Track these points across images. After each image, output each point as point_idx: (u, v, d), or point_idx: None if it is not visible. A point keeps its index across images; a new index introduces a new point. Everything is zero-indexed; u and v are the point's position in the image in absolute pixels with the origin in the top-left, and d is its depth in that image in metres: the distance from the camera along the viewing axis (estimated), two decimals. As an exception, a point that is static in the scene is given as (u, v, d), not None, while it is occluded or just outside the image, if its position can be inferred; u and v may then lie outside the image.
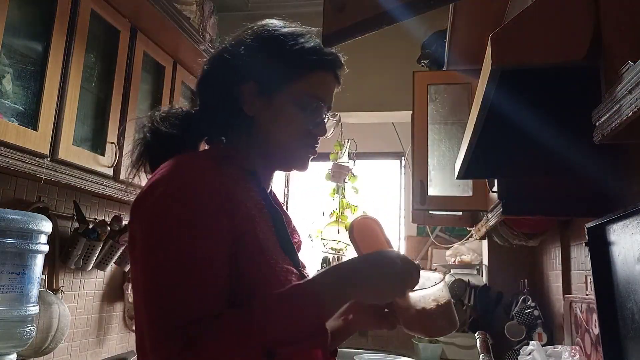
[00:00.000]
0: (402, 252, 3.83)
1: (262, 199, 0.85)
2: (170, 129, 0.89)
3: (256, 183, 0.86)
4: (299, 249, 0.96)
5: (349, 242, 3.52)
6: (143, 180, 0.90)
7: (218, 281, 0.71)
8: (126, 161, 0.95)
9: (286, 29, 0.88)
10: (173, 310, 0.68)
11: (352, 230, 0.92)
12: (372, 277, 0.75)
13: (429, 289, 0.81)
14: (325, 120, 0.90)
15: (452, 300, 0.84)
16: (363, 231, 0.92)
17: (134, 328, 2.48)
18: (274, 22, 0.90)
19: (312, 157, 0.91)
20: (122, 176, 1.98)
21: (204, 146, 0.95)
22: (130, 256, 0.78)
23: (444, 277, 0.82)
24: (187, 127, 0.90)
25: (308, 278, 0.78)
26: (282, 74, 0.85)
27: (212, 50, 2.47)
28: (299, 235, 1.00)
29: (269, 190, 0.94)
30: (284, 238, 0.86)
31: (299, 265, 0.87)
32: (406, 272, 0.76)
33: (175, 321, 0.67)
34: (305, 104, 0.86)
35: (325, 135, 0.91)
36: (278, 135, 0.86)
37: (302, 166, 0.90)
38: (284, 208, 1.00)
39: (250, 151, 0.88)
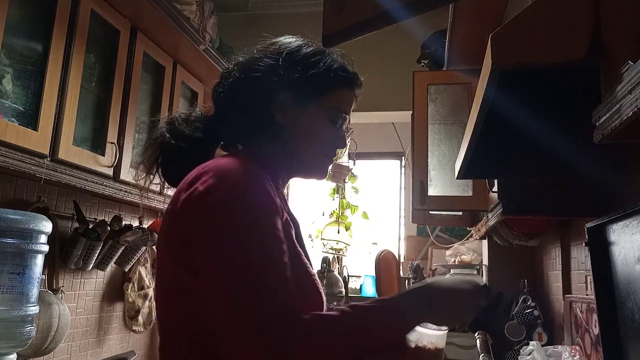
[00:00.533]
0: (402, 251, 3.84)
1: (284, 205, 0.88)
2: (193, 132, 0.92)
3: (278, 190, 0.89)
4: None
5: (348, 242, 3.52)
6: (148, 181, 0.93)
7: (291, 278, 0.74)
8: (135, 160, 0.97)
9: (312, 48, 0.94)
10: (261, 304, 0.69)
11: (379, 260, 1.02)
12: (449, 302, 0.81)
13: (434, 332, 0.87)
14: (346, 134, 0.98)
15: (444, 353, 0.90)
16: (386, 261, 1.01)
17: (134, 328, 2.48)
18: (297, 40, 0.95)
19: (330, 165, 0.98)
20: (122, 176, 1.98)
21: (219, 151, 0.97)
22: (170, 253, 0.80)
23: (447, 330, 0.89)
24: (208, 131, 0.93)
25: (393, 295, 0.82)
26: (316, 88, 0.91)
27: (212, 50, 2.47)
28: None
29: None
30: (302, 244, 0.89)
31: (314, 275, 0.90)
32: (476, 296, 0.83)
33: (264, 315, 0.68)
34: (333, 118, 0.92)
35: (345, 148, 0.99)
36: (306, 144, 0.92)
37: (323, 174, 0.96)
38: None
39: (274, 158, 0.91)
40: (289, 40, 0.94)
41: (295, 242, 0.84)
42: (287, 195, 3.90)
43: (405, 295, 0.82)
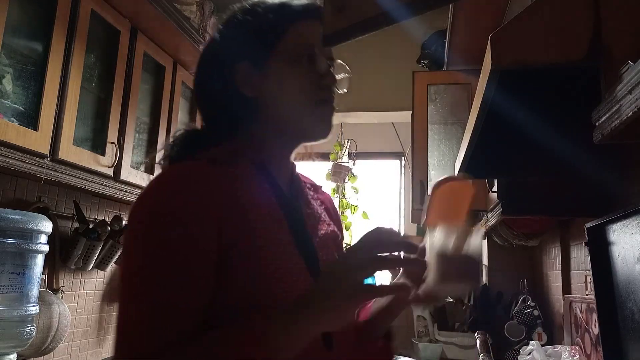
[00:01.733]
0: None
1: (274, 193, 0.78)
2: (180, 152, 0.82)
3: (267, 177, 0.79)
4: (332, 240, 0.86)
5: (348, 242, 3.51)
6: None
7: (188, 305, 0.65)
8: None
9: (247, 4, 0.84)
10: (134, 340, 0.64)
11: (434, 192, 0.77)
12: (325, 300, 0.61)
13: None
14: (331, 68, 0.82)
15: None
16: (445, 198, 0.77)
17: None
18: (238, 5, 0.85)
19: (333, 113, 0.82)
20: (123, 176, 1.98)
21: None
22: None
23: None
24: (195, 144, 0.82)
25: (266, 313, 0.65)
26: (266, 40, 0.80)
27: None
28: (330, 224, 0.89)
29: (292, 176, 0.86)
30: (301, 236, 0.78)
31: (317, 265, 0.78)
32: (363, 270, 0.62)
33: (133, 352, 0.63)
34: (298, 56, 0.79)
35: (339, 86, 0.83)
36: (287, 101, 0.79)
37: (325, 128, 0.81)
38: (320, 193, 0.93)
39: (263, 138, 0.81)
40: (232, 8, 0.85)
41: (271, 239, 0.73)
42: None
43: (276, 312, 0.64)
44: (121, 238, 2.15)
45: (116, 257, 2.19)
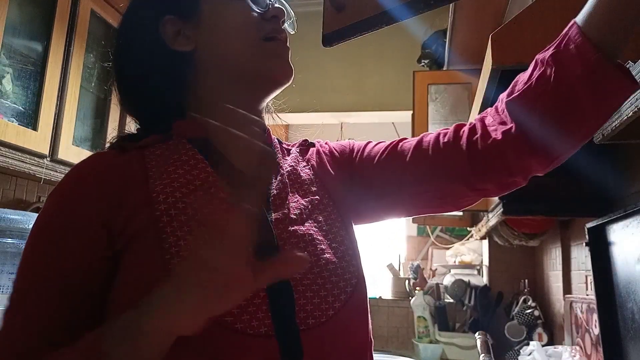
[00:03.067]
0: (403, 252, 3.83)
1: (214, 167, 0.64)
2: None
3: (205, 150, 0.66)
4: (311, 212, 0.68)
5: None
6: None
7: (40, 317, 0.56)
8: None
9: None
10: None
11: None
12: (170, 297, 0.46)
13: None
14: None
15: None
16: None
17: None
18: None
19: (287, 51, 0.70)
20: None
21: None
22: None
23: None
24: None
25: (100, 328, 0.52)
26: None
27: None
28: (313, 191, 0.71)
29: (265, 134, 0.73)
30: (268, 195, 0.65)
31: (274, 246, 0.61)
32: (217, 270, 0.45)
33: None
34: None
35: (285, 19, 0.71)
36: (229, 44, 0.67)
37: (281, 64, 0.68)
38: (302, 154, 0.77)
39: (215, 99, 0.68)
40: None
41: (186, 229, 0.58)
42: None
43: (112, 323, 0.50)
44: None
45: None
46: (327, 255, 0.63)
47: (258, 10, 0.68)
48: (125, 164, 0.63)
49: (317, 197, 0.70)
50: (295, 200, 0.68)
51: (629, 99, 0.68)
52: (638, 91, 0.66)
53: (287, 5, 0.72)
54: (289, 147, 0.78)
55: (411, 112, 2.53)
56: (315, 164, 0.75)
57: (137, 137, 0.70)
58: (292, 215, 0.65)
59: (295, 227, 0.64)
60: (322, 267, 0.62)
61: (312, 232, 0.65)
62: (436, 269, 3.23)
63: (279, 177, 0.69)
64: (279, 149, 0.75)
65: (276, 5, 0.70)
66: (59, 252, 0.57)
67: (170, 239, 0.56)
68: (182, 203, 0.59)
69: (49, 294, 0.56)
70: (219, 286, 0.45)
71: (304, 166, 0.74)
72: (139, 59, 0.70)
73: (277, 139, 0.77)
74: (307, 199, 0.69)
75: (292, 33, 0.73)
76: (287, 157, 0.75)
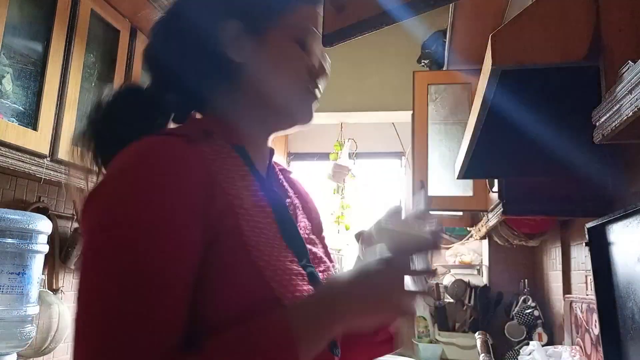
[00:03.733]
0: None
1: (256, 179, 0.68)
2: (129, 113, 0.71)
3: (246, 161, 0.69)
4: (314, 231, 0.79)
5: (348, 242, 3.51)
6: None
7: (174, 310, 0.54)
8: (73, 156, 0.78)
9: None
10: (105, 353, 0.50)
11: None
12: (364, 298, 0.59)
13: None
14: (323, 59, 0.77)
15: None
16: None
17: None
18: None
19: (316, 105, 0.76)
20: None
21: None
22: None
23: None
24: (149, 105, 0.72)
25: (284, 306, 0.59)
26: (272, 8, 0.72)
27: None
28: (310, 214, 0.82)
29: (269, 163, 0.78)
30: (287, 227, 0.69)
31: (307, 260, 0.69)
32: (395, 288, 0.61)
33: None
34: (302, 38, 0.72)
35: (326, 77, 0.77)
36: (277, 77, 0.71)
37: (307, 115, 0.74)
38: (292, 179, 0.85)
39: (240, 114, 0.72)
40: None
41: (258, 229, 0.63)
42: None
43: (299, 307, 0.59)
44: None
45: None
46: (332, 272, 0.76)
47: (312, 63, 0.73)
48: (203, 158, 0.62)
49: (309, 222, 0.80)
50: (302, 220, 0.78)
51: (629, 99, 0.68)
52: (638, 91, 0.66)
53: (328, 66, 0.78)
54: (277, 167, 0.84)
55: (411, 112, 2.53)
56: (302, 193, 0.85)
57: (155, 122, 0.71)
58: (304, 235, 0.74)
59: (311, 248, 0.74)
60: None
61: (320, 253, 0.76)
62: (436, 269, 3.22)
63: (290, 198, 0.78)
64: (278, 169, 0.83)
65: (324, 63, 0.76)
66: (173, 242, 0.54)
67: (253, 251, 0.60)
68: (251, 218, 0.62)
69: (174, 281, 0.54)
70: (404, 306, 0.61)
71: (293, 193, 0.82)
72: (188, 44, 0.71)
73: (274, 162, 0.82)
74: (305, 220, 0.79)
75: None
76: (281, 177, 0.82)
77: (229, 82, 0.71)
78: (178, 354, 0.53)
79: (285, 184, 0.81)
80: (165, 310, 0.53)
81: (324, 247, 0.80)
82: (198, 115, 0.76)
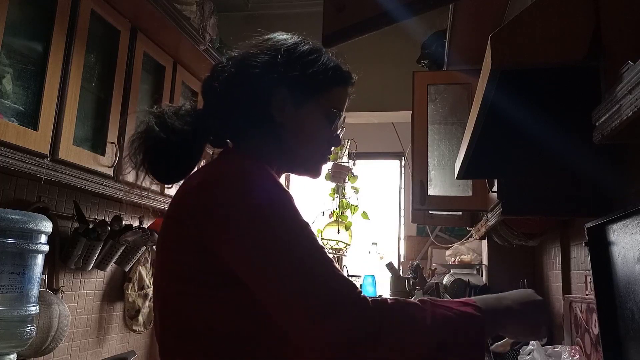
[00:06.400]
0: (402, 251, 3.83)
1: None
2: (183, 126, 0.87)
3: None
4: None
5: (348, 242, 3.51)
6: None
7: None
8: (125, 159, 0.91)
9: (309, 46, 0.93)
10: (338, 286, 0.71)
11: None
12: (528, 315, 0.82)
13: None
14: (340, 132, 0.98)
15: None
16: None
17: (134, 328, 2.48)
18: (293, 37, 0.94)
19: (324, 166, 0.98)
20: (129, 178, 1.98)
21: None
22: (182, 258, 0.77)
23: None
24: (198, 125, 0.90)
25: (472, 299, 0.81)
26: (314, 87, 0.90)
27: (212, 50, 2.47)
28: None
29: None
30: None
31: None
32: (544, 312, 0.85)
33: (336, 294, 0.70)
34: (330, 116, 0.92)
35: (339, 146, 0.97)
36: (304, 143, 0.92)
37: (318, 173, 0.96)
38: None
39: (269, 154, 0.90)
40: (285, 37, 0.93)
41: None
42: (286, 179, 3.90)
43: (484, 299, 0.81)
44: (121, 238, 2.15)
45: (116, 257, 2.19)
46: None
47: (332, 135, 0.94)
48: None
49: None
50: None
51: (629, 99, 0.68)
52: (638, 91, 0.66)
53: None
54: None
55: (411, 112, 2.53)
56: None
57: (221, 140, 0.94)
58: None
59: None
60: None
61: None
62: (436, 269, 3.23)
63: None
64: None
65: (340, 134, 0.97)
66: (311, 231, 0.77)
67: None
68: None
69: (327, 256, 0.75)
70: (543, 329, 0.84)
71: None
72: (244, 94, 0.89)
73: None
74: None
75: None
76: None
77: (267, 130, 0.89)
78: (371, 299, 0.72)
79: None
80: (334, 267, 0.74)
81: None
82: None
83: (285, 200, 0.76)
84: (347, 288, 0.70)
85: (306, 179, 1.02)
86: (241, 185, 0.75)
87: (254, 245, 0.72)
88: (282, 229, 0.73)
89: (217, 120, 0.90)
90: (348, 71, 0.96)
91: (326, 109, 0.92)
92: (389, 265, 3.14)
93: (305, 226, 0.75)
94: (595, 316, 1.56)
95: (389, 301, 0.72)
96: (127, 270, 2.39)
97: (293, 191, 3.98)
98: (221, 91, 0.90)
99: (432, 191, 2.36)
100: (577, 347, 1.71)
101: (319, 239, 0.78)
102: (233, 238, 0.73)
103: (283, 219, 0.74)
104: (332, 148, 0.96)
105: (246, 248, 0.73)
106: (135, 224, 2.39)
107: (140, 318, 2.51)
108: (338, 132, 0.96)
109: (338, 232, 3.49)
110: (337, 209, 3.60)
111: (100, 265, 2.16)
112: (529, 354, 1.80)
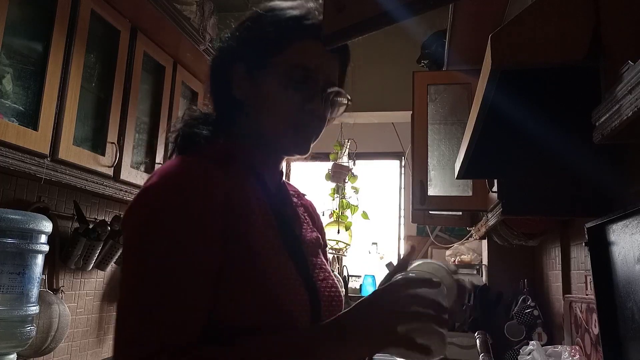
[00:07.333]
0: (402, 251, 3.82)
1: (266, 197, 0.79)
2: (201, 130, 0.82)
3: (259, 181, 0.80)
4: (317, 246, 0.88)
5: (348, 242, 3.52)
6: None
7: (199, 304, 0.65)
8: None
9: (272, 4, 0.82)
10: (141, 337, 0.62)
11: None
12: (366, 328, 0.64)
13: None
14: (327, 94, 0.80)
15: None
16: None
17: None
18: (271, 2, 0.84)
19: (314, 138, 0.82)
20: (123, 176, 1.98)
21: None
22: None
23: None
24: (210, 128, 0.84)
25: (302, 330, 0.70)
26: (263, 49, 0.78)
27: (212, 50, 2.47)
28: (314, 231, 0.91)
29: (280, 182, 0.88)
30: (291, 241, 0.79)
31: (308, 270, 0.79)
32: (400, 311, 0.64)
33: (140, 349, 0.62)
34: (289, 77, 0.77)
35: (329, 113, 0.82)
36: (267, 116, 0.78)
37: (301, 149, 0.81)
38: (304, 200, 0.95)
39: (251, 143, 0.81)
40: (249, 12, 0.85)
41: (264, 239, 0.73)
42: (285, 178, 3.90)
43: (317, 330, 0.69)
44: (121, 238, 2.15)
45: (116, 257, 2.19)
46: (334, 281, 0.85)
47: (305, 98, 0.78)
48: (223, 179, 0.72)
49: (317, 235, 0.90)
50: (309, 233, 0.87)
51: (629, 99, 0.68)
52: (638, 91, 0.66)
53: (347, 95, 0.84)
54: (291, 189, 0.94)
55: (411, 112, 2.53)
56: (312, 214, 0.95)
57: (198, 139, 0.81)
58: (309, 246, 0.85)
59: (313, 258, 0.84)
60: (335, 288, 0.84)
61: (324, 265, 0.86)
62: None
63: (298, 215, 0.87)
64: (291, 192, 0.92)
65: (325, 95, 0.80)
66: (197, 250, 0.66)
67: (262, 260, 0.71)
68: (260, 232, 0.73)
69: (194, 285, 0.65)
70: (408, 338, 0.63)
71: (303, 211, 0.92)
72: (215, 83, 0.85)
73: (288, 184, 0.93)
74: (315, 234, 0.89)
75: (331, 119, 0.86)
76: (295, 199, 0.92)
77: (236, 114, 0.82)
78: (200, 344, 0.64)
79: (295, 201, 0.91)
80: (187, 304, 0.64)
81: (326, 259, 0.91)
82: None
83: (176, 216, 0.66)
84: (145, 344, 0.62)
85: (305, 178, 0.96)
86: (146, 193, 0.69)
87: (124, 255, 0.70)
88: (144, 249, 0.65)
89: (214, 119, 0.85)
90: (314, 22, 0.79)
91: (284, 69, 0.77)
92: (389, 265, 3.14)
93: (175, 251, 0.64)
94: (595, 316, 1.56)
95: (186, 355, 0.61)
96: (127, 270, 2.39)
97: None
98: (209, 88, 0.86)
99: (432, 191, 2.36)
100: (577, 347, 1.71)
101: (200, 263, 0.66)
102: (124, 248, 0.71)
103: (150, 241, 0.65)
104: (320, 115, 0.80)
105: (124, 256, 0.71)
106: (135, 224, 2.39)
107: (140, 318, 2.51)
108: (314, 94, 0.78)
109: (338, 232, 3.49)
110: (337, 209, 3.60)
111: (100, 265, 2.16)
112: (529, 354, 1.80)
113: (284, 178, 0.90)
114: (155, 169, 0.80)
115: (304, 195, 0.97)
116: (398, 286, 0.66)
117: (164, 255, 0.64)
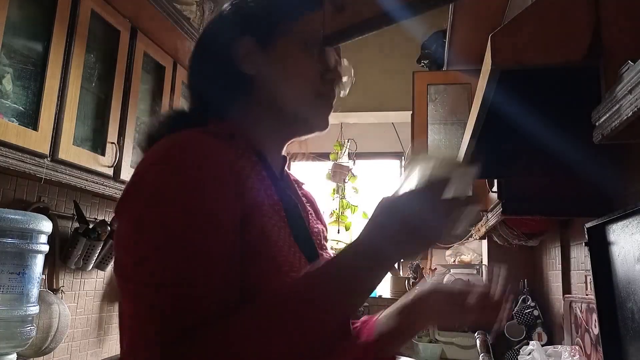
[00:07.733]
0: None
1: (272, 182, 0.73)
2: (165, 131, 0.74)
3: (264, 165, 0.74)
4: (323, 239, 0.84)
5: (348, 242, 3.53)
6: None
7: (228, 272, 0.60)
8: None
9: None
10: (169, 313, 0.55)
11: None
12: (400, 240, 0.62)
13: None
14: (342, 68, 0.79)
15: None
16: None
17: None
18: None
19: (331, 110, 0.79)
20: (123, 176, 1.98)
21: None
22: (116, 255, 0.64)
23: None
24: (183, 123, 0.74)
25: (323, 260, 0.64)
26: (281, 18, 0.76)
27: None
28: (321, 222, 0.87)
29: (282, 170, 0.83)
30: (298, 228, 0.73)
31: (317, 259, 0.74)
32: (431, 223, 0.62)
33: (166, 326, 0.55)
34: (308, 44, 0.74)
35: (343, 84, 0.79)
36: (287, 86, 0.75)
37: (322, 122, 0.77)
38: (303, 190, 0.90)
39: (256, 123, 0.76)
40: None
41: (273, 225, 0.67)
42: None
43: (339, 259, 0.61)
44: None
45: (116, 257, 2.19)
46: None
47: (323, 68, 0.75)
48: (230, 154, 0.66)
49: (321, 227, 0.84)
50: (316, 226, 0.82)
51: (629, 99, 0.68)
52: (638, 91, 0.66)
53: (352, 69, 0.81)
54: (295, 179, 0.89)
55: (411, 112, 2.53)
56: (313, 202, 0.89)
57: (186, 121, 0.74)
58: (317, 239, 0.79)
59: (321, 252, 0.78)
60: None
61: (327, 257, 0.79)
62: (435, 268, 3.23)
63: (301, 202, 0.81)
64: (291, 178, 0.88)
65: (339, 67, 0.78)
66: (222, 223, 0.60)
67: (274, 247, 0.65)
68: (269, 217, 0.67)
69: (221, 259, 0.59)
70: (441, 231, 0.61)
71: (305, 201, 0.86)
72: (209, 63, 0.78)
73: (288, 172, 0.87)
74: (320, 226, 0.84)
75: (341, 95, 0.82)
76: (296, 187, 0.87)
77: (245, 94, 0.76)
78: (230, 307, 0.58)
79: (298, 191, 0.86)
80: (216, 273, 0.58)
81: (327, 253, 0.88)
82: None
83: (190, 184, 0.59)
84: (171, 322, 0.55)
85: (305, 178, 0.88)
86: (151, 164, 0.64)
87: (132, 234, 0.60)
88: (163, 223, 0.58)
89: (199, 104, 0.79)
90: None
91: (306, 36, 0.75)
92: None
93: (197, 219, 0.58)
94: (595, 316, 1.56)
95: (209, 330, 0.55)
96: (127, 270, 2.39)
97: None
98: (194, 69, 0.80)
99: (432, 191, 2.35)
100: (577, 347, 1.71)
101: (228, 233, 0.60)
102: (123, 223, 0.62)
103: (172, 209, 0.58)
104: (335, 87, 0.77)
105: (124, 241, 0.61)
106: (135, 224, 2.39)
107: (140, 318, 2.51)
108: (334, 63, 0.77)
109: (338, 232, 3.49)
110: (337, 209, 3.60)
111: (100, 265, 2.16)
112: (529, 354, 1.80)
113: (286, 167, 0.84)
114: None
115: (302, 184, 0.92)
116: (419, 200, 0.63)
117: (188, 219, 0.58)
